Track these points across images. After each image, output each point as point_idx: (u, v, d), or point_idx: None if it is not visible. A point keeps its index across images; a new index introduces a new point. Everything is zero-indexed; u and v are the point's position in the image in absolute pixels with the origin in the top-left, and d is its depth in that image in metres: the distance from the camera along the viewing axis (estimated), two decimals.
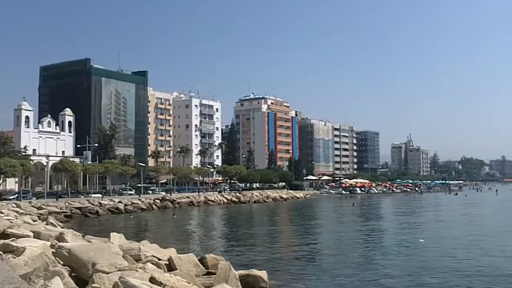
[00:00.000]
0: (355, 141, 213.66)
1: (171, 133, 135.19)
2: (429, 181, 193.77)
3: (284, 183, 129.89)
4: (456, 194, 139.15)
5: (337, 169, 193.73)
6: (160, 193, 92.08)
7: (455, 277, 22.13)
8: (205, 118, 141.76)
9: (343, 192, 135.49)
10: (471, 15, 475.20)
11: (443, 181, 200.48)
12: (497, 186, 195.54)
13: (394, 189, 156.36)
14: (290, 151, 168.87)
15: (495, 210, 72.53)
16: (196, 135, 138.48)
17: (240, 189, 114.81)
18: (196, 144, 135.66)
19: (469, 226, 48.33)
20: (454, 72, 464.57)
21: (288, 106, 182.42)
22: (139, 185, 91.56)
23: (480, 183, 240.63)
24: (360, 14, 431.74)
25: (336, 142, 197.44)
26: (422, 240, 34.93)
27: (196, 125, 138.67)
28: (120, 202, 70.63)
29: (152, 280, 11.98)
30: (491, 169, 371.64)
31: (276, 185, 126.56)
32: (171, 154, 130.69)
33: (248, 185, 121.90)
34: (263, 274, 17.41)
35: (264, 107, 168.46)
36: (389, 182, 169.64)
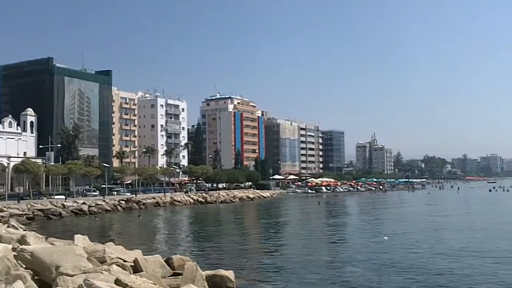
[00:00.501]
0: (321, 141, 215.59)
1: (136, 133, 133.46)
2: (393, 180, 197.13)
3: (250, 183, 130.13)
4: (424, 187, 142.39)
5: (303, 168, 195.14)
6: (125, 194, 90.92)
7: (418, 274, 22.61)
8: (171, 118, 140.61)
9: (309, 191, 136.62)
10: (431, 17, 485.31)
11: (407, 180, 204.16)
12: (458, 184, 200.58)
13: (359, 187, 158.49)
14: (257, 150, 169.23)
15: (456, 207, 74.29)
16: (162, 135, 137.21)
17: (207, 189, 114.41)
18: (161, 144, 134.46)
19: (432, 223, 49.41)
20: (416, 73, 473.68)
21: (254, 106, 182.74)
22: (104, 186, 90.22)
23: (442, 181, 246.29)
24: (325, 14, 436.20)
25: (302, 142, 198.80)
26: (386, 238, 35.53)
27: (161, 125, 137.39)
28: (84, 203, 69.39)
29: (118, 282, 11.84)
30: (453, 167, 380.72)
31: (242, 185, 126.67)
32: (136, 155, 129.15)
33: (214, 185, 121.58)
34: (230, 274, 17.40)
35: (230, 107, 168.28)
36: (354, 181, 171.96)
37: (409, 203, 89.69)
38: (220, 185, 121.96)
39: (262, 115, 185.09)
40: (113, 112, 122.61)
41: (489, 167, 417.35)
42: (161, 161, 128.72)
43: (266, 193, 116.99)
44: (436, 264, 24.94)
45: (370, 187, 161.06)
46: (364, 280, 21.56)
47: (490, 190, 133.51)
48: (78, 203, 69.63)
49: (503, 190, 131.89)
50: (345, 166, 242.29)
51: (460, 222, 49.74)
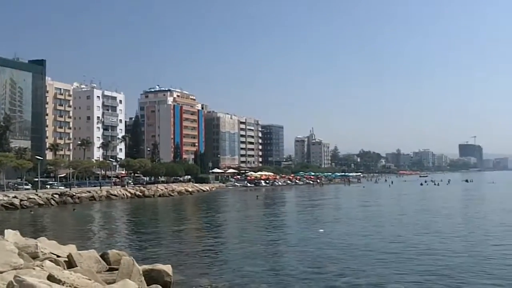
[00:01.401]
0: (260, 135, 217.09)
1: (71, 125, 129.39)
2: (330, 173, 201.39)
3: (190, 176, 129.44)
4: (359, 181, 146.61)
5: (242, 162, 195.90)
6: (59, 187, 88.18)
7: (353, 264, 23.33)
8: (107, 110, 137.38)
9: (248, 184, 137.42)
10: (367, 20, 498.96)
11: (343, 173, 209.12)
12: (392, 178, 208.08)
13: (297, 181, 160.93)
14: (196, 144, 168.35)
15: (389, 200, 76.95)
16: (98, 127, 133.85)
17: (145, 182, 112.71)
18: (98, 137, 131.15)
19: (366, 215, 50.94)
20: (352, 71, 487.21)
21: (194, 99, 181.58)
22: (36, 179, 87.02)
23: (377, 175, 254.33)
24: (267, 8, 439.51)
25: (242, 136, 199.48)
26: (322, 230, 36.33)
27: (98, 117, 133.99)
28: (15, 197, 66.64)
29: (51, 278, 11.52)
30: (387, 161, 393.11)
31: (181, 179, 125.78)
32: (71, 147, 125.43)
33: (152, 178, 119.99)
34: (167, 268, 17.32)
35: (170, 100, 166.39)
36: (292, 175, 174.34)
37: (345, 197, 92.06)
38: (158, 179, 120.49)
39: (202, 108, 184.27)
40: (47, 103, 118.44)
41: (421, 162, 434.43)
42: (97, 154, 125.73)
43: (205, 187, 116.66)
44: (368, 254, 25.81)
45: (308, 181, 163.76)
46: (299, 271, 22.01)
47: (421, 184, 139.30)
48: (9, 196, 66.81)
49: (434, 184, 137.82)
50: (284, 160, 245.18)
51: (393, 214, 51.50)
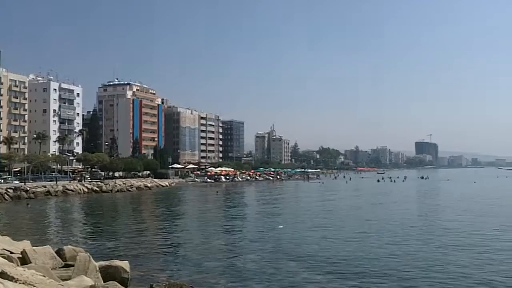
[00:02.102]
0: (221, 130, 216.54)
1: (26, 118, 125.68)
2: (290, 170, 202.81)
3: (149, 172, 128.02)
4: (318, 177, 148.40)
5: (203, 157, 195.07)
6: (14, 182, 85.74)
7: (311, 259, 23.60)
8: (64, 103, 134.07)
9: (209, 180, 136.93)
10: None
11: (303, 170, 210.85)
12: (350, 175, 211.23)
13: (257, 177, 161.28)
14: (156, 139, 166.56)
15: (347, 196, 78.12)
16: (55, 120, 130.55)
17: (102, 177, 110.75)
18: (54, 131, 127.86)
19: (325, 211, 51.57)
20: (313, 68, 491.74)
21: (154, 94, 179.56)
22: None
23: (336, 172, 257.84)
24: (227, 7, 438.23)
25: (202, 131, 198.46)
26: (281, 226, 36.61)
27: (54, 110, 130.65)
28: None
29: (3, 275, 11.19)
30: (346, 158, 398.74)
31: (140, 174, 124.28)
32: (26, 141, 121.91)
33: (110, 173, 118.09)
34: (125, 264, 17.09)
35: (129, 94, 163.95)
36: (252, 171, 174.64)
37: (304, 193, 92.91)
38: (116, 174, 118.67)
39: (162, 103, 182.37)
40: (1, 95, 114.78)
41: (378, 159, 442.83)
42: (53, 148, 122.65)
43: (164, 182, 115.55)
44: (326, 249, 26.17)
45: (268, 177, 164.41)
46: (258, 267, 22.13)
47: (378, 181, 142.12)
48: None
49: (390, 181, 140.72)
50: (245, 156, 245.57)
51: (349, 211, 52.35)
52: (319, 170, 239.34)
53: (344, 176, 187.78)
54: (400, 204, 60.89)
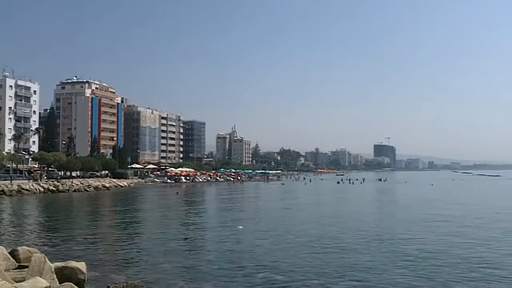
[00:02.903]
0: (182, 131, 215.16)
1: None
2: (251, 171, 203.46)
3: (107, 172, 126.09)
4: (279, 178, 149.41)
5: (163, 157, 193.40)
6: None
7: (270, 260, 23.72)
8: (20, 100, 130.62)
9: (168, 180, 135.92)
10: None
11: (263, 171, 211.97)
12: (310, 176, 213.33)
13: (218, 178, 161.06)
14: (115, 138, 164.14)
15: (307, 197, 78.81)
16: (10, 118, 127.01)
17: (59, 177, 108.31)
18: (9, 128, 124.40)
19: (284, 211, 51.92)
20: (275, 69, 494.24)
21: (114, 92, 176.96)
22: None
23: (296, 173, 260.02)
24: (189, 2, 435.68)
25: (163, 131, 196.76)
26: (241, 227, 36.66)
27: (10, 108, 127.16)
28: None
29: None
30: (306, 160, 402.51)
31: (98, 174, 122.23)
32: None
33: (68, 173, 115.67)
34: (81, 265, 16.83)
35: (88, 92, 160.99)
36: (213, 171, 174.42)
37: (264, 194, 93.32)
38: (74, 174, 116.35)
39: (122, 102, 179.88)
40: None
41: (338, 161, 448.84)
42: (8, 146, 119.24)
43: (123, 182, 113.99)
44: (285, 250, 26.37)
45: (228, 178, 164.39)
46: (217, 268, 22.13)
47: (338, 182, 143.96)
48: None
49: (349, 183, 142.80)
50: (205, 156, 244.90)
51: (308, 210, 52.89)
52: (279, 171, 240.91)
53: (304, 178, 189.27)
54: (359, 205, 61.89)
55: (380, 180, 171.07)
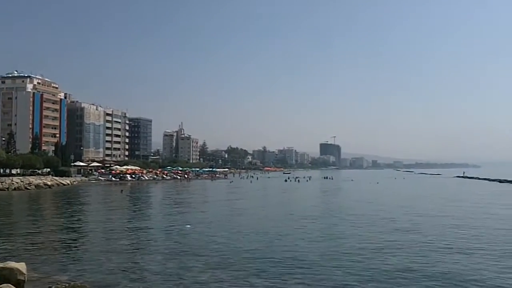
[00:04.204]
0: (127, 127, 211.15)
1: None
2: (198, 169, 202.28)
3: (49, 169, 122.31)
4: (226, 176, 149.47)
5: (108, 155, 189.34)
6: None
7: (217, 258, 23.74)
8: None
9: (113, 179, 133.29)
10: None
11: (211, 169, 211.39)
12: (258, 174, 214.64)
13: (165, 176, 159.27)
14: (57, 135, 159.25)
15: (254, 195, 79.28)
16: None
17: None
18: None
19: (230, 210, 51.98)
20: (225, 68, 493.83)
21: (57, 87, 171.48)
22: None
23: (244, 171, 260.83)
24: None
25: (108, 128, 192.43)
26: (188, 226, 36.44)
27: None
28: None
29: None
30: (253, 158, 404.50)
31: (40, 171, 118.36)
32: None
33: (7, 171, 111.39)
34: (21, 266, 16.31)
35: (29, 87, 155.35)
36: (160, 169, 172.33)
37: (211, 191, 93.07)
38: (14, 171, 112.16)
39: (65, 97, 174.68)
40: None
41: (285, 159, 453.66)
42: None
43: (66, 180, 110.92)
44: (233, 249, 26.42)
45: (175, 176, 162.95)
46: (163, 267, 21.96)
47: (285, 180, 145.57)
48: None
49: (295, 181, 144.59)
50: (152, 154, 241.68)
51: (255, 208, 53.20)
52: (227, 169, 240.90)
53: (252, 176, 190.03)
54: (307, 202, 62.75)
55: (326, 178, 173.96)
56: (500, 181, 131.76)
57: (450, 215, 44.52)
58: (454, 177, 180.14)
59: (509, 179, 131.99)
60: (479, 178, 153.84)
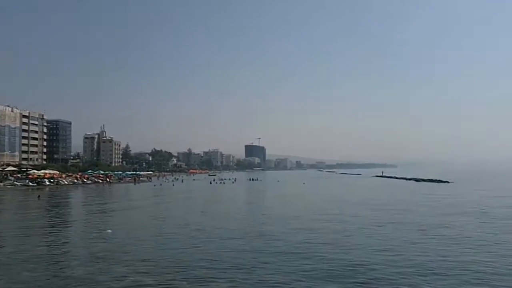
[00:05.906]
0: (45, 130, 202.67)
1: None
2: (121, 172, 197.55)
3: None
4: (150, 179, 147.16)
5: (24, 159, 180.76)
6: None
7: (140, 264, 23.53)
8: None
9: (30, 184, 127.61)
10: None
11: (134, 172, 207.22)
12: (183, 177, 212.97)
13: (85, 180, 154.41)
14: None
15: (179, 198, 78.80)
16: None
17: None
18: None
19: (155, 213, 51.38)
20: (149, 68, 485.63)
21: None
22: None
23: (169, 174, 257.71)
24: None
25: (24, 130, 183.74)
26: (110, 231, 35.76)
27: None
28: None
29: None
30: (178, 160, 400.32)
31: None
32: None
33: None
34: None
35: None
36: (80, 173, 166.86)
37: (135, 195, 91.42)
38: None
39: None
40: None
41: (210, 161, 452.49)
42: None
43: None
44: (157, 252, 26.26)
45: (96, 180, 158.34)
46: (84, 273, 21.56)
47: (210, 183, 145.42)
48: None
49: (221, 183, 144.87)
50: (72, 157, 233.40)
51: (178, 211, 53.01)
52: (151, 172, 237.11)
53: (176, 178, 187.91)
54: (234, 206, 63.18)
55: (252, 179, 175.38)
56: (417, 180, 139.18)
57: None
58: (373, 176, 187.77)
59: (425, 178, 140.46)
60: (397, 178, 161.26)
